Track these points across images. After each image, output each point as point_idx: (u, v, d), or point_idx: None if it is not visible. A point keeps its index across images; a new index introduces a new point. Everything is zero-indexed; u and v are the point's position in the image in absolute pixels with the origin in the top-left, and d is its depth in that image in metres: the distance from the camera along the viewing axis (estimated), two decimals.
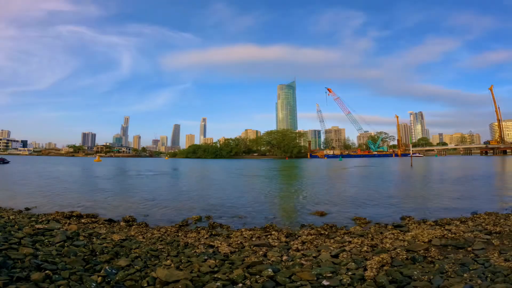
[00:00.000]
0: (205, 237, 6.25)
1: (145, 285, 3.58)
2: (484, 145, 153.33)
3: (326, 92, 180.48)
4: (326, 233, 6.44)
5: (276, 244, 5.65)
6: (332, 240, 5.82)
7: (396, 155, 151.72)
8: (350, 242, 5.58)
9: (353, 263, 4.30)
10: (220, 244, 5.49)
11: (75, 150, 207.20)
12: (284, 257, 4.80)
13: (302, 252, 5.12)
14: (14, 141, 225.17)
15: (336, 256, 4.78)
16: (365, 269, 4.06)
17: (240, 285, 3.65)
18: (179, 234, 6.46)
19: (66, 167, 40.05)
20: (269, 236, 6.22)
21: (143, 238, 6.03)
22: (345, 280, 3.70)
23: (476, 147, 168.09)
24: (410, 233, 6.06)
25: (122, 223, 7.53)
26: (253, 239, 6.02)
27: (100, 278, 3.71)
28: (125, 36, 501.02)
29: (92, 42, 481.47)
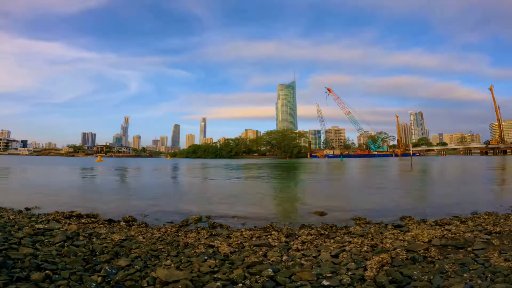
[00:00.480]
0: (205, 237, 6.24)
1: (145, 285, 3.57)
2: (484, 145, 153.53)
3: (326, 92, 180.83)
4: (326, 233, 6.43)
5: (276, 244, 5.64)
6: (332, 240, 5.81)
7: (396, 155, 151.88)
8: (350, 242, 5.57)
9: (353, 263, 4.29)
10: (220, 244, 5.48)
11: (75, 150, 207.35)
12: (284, 257, 4.80)
13: (302, 252, 5.12)
14: (14, 141, 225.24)
15: (336, 256, 4.78)
16: (365, 269, 4.06)
17: (240, 285, 3.65)
18: (179, 234, 6.45)
19: (67, 167, 40.04)
20: (269, 236, 6.21)
21: (143, 238, 6.03)
22: (345, 280, 3.70)
23: (476, 147, 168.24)
24: (410, 233, 6.05)
25: (122, 223, 7.52)
26: (253, 239, 6.01)
27: (100, 278, 3.71)
28: (134, 70, 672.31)
29: (108, 73, 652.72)
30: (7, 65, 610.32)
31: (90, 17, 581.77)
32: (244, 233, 6.46)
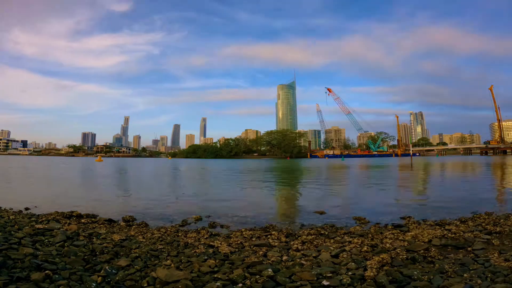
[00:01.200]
0: (205, 237, 6.25)
1: (145, 285, 3.57)
2: (484, 145, 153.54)
3: (326, 92, 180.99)
4: (326, 233, 6.43)
5: (276, 244, 5.64)
6: (332, 240, 5.81)
7: (396, 155, 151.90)
8: (350, 242, 5.57)
9: (353, 263, 4.29)
10: (220, 244, 5.48)
11: (75, 150, 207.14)
12: (284, 257, 4.80)
13: (302, 252, 5.12)
14: (14, 141, 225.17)
15: (336, 256, 4.78)
16: (365, 269, 4.06)
17: (240, 285, 3.65)
18: (179, 234, 6.45)
19: (67, 168, 40.02)
20: (269, 236, 6.21)
21: (143, 238, 6.03)
22: (345, 280, 3.70)
23: (476, 147, 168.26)
24: (410, 233, 6.06)
25: (122, 223, 7.53)
26: (253, 239, 6.01)
27: (100, 278, 3.71)
28: (143, 98, 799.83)
29: (124, 99, 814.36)
30: (51, 95, 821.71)
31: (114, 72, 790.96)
32: (244, 233, 6.46)
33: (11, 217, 7.47)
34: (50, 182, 19.39)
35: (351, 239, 5.77)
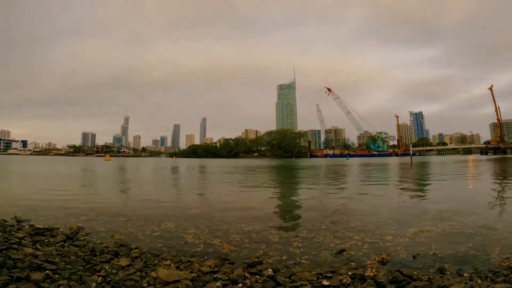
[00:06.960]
0: (205, 233, 6.25)
1: (145, 285, 3.58)
2: (484, 145, 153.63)
3: (326, 92, 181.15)
4: (327, 229, 6.43)
5: (276, 242, 5.65)
6: (332, 236, 5.83)
7: (396, 154, 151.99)
8: (350, 239, 5.60)
9: (353, 263, 4.30)
10: (220, 243, 5.49)
11: (75, 150, 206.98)
12: (284, 256, 4.81)
13: (302, 250, 5.13)
14: (14, 141, 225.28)
15: (336, 255, 4.79)
16: (365, 269, 4.06)
17: (240, 285, 3.65)
18: (179, 231, 6.45)
19: (77, 167, 40.06)
20: (269, 234, 6.23)
21: (143, 236, 6.03)
22: (345, 280, 3.70)
23: (476, 147, 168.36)
24: (410, 229, 6.07)
25: (121, 219, 7.51)
26: (253, 236, 6.02)
27: (100, 278, 3.71)
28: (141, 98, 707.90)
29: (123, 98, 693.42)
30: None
31: None
32: (244, 228, 6.48)
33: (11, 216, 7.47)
34: (53, 182, 19.39)
35: (352, 234, 5.81)
